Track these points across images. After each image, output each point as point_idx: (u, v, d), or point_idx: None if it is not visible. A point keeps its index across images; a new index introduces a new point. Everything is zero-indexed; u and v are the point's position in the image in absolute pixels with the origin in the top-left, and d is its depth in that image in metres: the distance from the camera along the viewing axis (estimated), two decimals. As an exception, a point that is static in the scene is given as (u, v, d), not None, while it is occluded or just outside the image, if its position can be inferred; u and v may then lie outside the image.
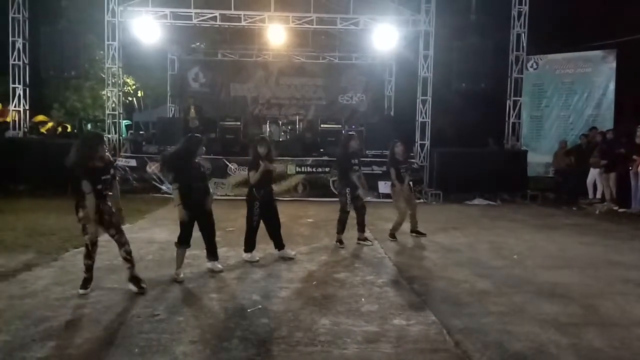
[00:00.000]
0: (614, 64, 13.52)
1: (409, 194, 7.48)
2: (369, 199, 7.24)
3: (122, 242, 4.69)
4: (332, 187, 12.19)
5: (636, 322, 4.04)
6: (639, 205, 9.87)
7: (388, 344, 3.54)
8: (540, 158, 13.85)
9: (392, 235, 7.25)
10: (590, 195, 11.66)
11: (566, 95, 14.01)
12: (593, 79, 13.73)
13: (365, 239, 6.95)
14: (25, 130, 13.26)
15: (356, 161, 6.98)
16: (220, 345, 3.47)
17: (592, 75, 13.74)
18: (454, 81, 12.64)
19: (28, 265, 5.44)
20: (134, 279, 4.66)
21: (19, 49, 12.65)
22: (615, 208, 10.50)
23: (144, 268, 5.39)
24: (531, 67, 14.07)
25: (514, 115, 13.19)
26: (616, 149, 10.84)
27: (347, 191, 6.76)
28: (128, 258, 4.68)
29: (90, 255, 4.61)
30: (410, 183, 7.54)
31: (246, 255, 5.89)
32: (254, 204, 5.90)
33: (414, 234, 7.52)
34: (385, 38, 13.11)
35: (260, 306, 4.30)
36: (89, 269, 4.61)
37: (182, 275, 5.06)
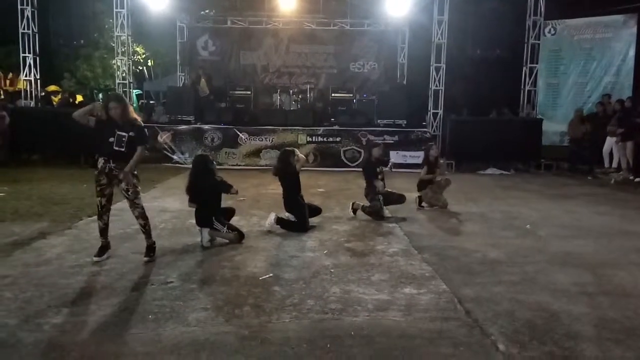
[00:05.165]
0: (635, 29, 13.08)
1: (441, 182, 7.51)
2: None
3: (135, 204, 4.64)
4: (342, 157, 12.15)
5: (650, 292, 4.00)
6: (656, 174, 9.71)
7: (398, 312, 3.55)
8: (555, 126, 13.60)
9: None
10: (606, 164, 11.48)
11: (584, 61, 13.63)
12: (612, 44, 13.32)
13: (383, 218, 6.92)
14: (38, 100, 13.29)
15: (380, 169, 6.92)
16: (233, 312, 3.50)
17: (612, 41, 13.33)
18: (468, 47, 12.38)
19: (42, 233, 5.50)
20: (148, 248, 4.71)
21: (27, 17, 12.56)
22: (631, 177, 10.34)
23: (157, 237, 5.41)
24: (549, 32, 13.66)
25: (530, 82, 12.91)
26: (634, 118, 10.59)
27: (379, 198, 6.72)
28: (142, 223, 4.69)
29: (100, 215, 4.61)
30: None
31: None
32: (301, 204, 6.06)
33: (425, 206, 7.46)
34: (398, 3, 12.77)
35: (272, 274, 4.32)
36: (102, 232, 4.64)
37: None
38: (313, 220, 6.20)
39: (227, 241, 5.27)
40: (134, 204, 4.65)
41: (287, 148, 6.72)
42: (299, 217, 5.96)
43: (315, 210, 6.37)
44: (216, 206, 5.39)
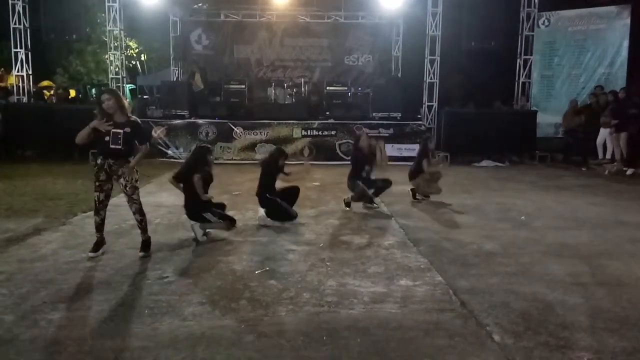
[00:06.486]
0: (629, 20, 13.11)
1: (435, 172, 7.54)
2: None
3: (133, 200, 4.63)
4: (338, 151, 12.14)
5: (644, 282, 4.03)
6: (650, 165, 9.75)
7: (394, 304, 3.56)
8: (550, 118, 13.64)
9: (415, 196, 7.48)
10: (600, 156, 11.52)
11: (578, 53, 13.65)
12: (606, 36, 13.34)
13: (373, 202, 6.94)
14: (31, 95, 13.18)
15: (367, 163, 6.90)
16: (229, 306, 3.51)
17: (606, 32, 13.35)
18: (463, 40, 12.35)
19: (37, 229, 5.48)
20: (143, 244, 4.70)
21: (19, 12, 12.44)
22: (625, 168, 10.38)
23: (152, 232, 5.40)
24: (543, 24, 13.67)
25: (524, 74, 12.93)
26: (627, 109, 10.63)
27: (359, 183, 6.70)
28: (138, 218, 4.68)
29: (97, 211, 4.60)
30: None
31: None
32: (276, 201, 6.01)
33: (420, 198, 7.47)
34: (392, -5, 12.72)
35: (267, 268, 4.32)
36: (98, 228, 4.62)
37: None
38: (308, 213, 6.19)
39: (222, 231, 5.26)
40: (132, 199, 4.65)
41: (282, 148, 6.70)
42: (273, 210, 5.92)
43: (293, 193, 6.26)
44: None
